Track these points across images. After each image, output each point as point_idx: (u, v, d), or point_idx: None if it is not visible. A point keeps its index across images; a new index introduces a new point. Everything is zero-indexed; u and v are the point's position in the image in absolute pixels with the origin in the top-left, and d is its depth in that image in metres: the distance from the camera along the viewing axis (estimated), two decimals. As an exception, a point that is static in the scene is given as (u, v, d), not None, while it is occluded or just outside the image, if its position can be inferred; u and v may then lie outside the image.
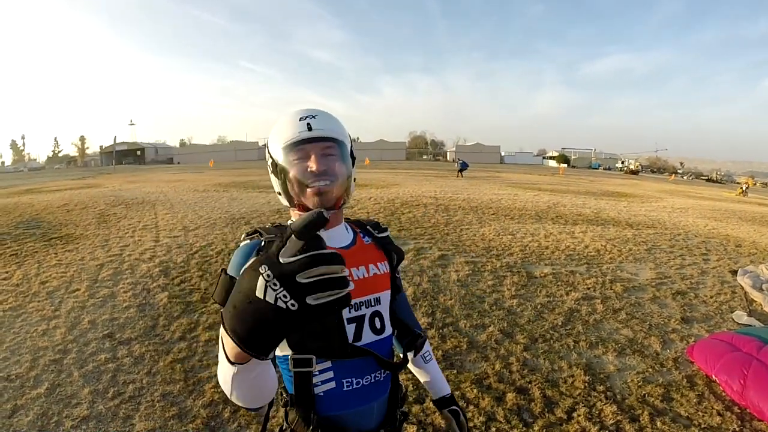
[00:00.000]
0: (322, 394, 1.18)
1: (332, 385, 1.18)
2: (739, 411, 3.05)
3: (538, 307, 4.83)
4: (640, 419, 2.95)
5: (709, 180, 66.83)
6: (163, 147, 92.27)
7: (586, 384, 3.34)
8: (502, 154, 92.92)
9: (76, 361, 3.66)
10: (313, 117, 1.18)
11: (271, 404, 1.21)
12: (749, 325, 4.48)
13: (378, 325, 1.23)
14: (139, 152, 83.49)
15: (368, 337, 1.21)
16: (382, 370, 1.23)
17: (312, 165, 1.13)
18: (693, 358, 3.68)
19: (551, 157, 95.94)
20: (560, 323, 4.42)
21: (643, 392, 3.26)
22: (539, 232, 8.64)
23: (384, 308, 1.26)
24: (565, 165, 70.03)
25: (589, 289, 5.43)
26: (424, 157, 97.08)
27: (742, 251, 7.87)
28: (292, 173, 1.15)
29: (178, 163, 70.84)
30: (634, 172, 66.57)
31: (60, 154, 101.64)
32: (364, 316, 1.20)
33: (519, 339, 4.06)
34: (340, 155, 1.19)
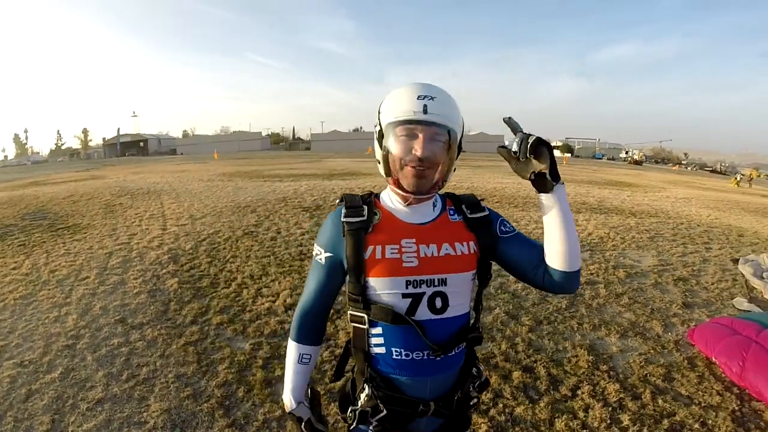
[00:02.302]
0: (374, 354, 1.24)
1: (382, 349, 1.22)
2: (738, 391, 3.12)
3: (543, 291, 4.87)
4: (642, 397, 3.02)
5: (713, 171, 66.67)
6: (166, 138, 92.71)
7: (590, 363, 3.42)
8: (506, 143, 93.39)
9: (89, 346, 3.72)
10: (432, 99, 1.15)
11: (347, 349, 1.36)
12: (749, 311, 4.53)
13: (438, 304, 1.19)
14: (142, 144, 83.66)
15: (423, 314, 1.18)
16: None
17: (417, 148, 1.12)
18: (693, 341, 3.74)
19: (555, 147, 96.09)
20: (564, 306, 4.49)
21: (645, 372, 3.33)
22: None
23: (453, 290, 1.21)
24: (569, 154, 69.89)
25: (592, 274, 5.49)
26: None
27: (744, 241, 7.91)
28: (395, 149, 1.15)
29: (182, 154, 70.80)
30: (638, 163, 66.47)
31: (63, 147, 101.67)
32: (423, 294, 1.18)
33: (524, 321, 4.13)
34: (448, 143, 1.16)
